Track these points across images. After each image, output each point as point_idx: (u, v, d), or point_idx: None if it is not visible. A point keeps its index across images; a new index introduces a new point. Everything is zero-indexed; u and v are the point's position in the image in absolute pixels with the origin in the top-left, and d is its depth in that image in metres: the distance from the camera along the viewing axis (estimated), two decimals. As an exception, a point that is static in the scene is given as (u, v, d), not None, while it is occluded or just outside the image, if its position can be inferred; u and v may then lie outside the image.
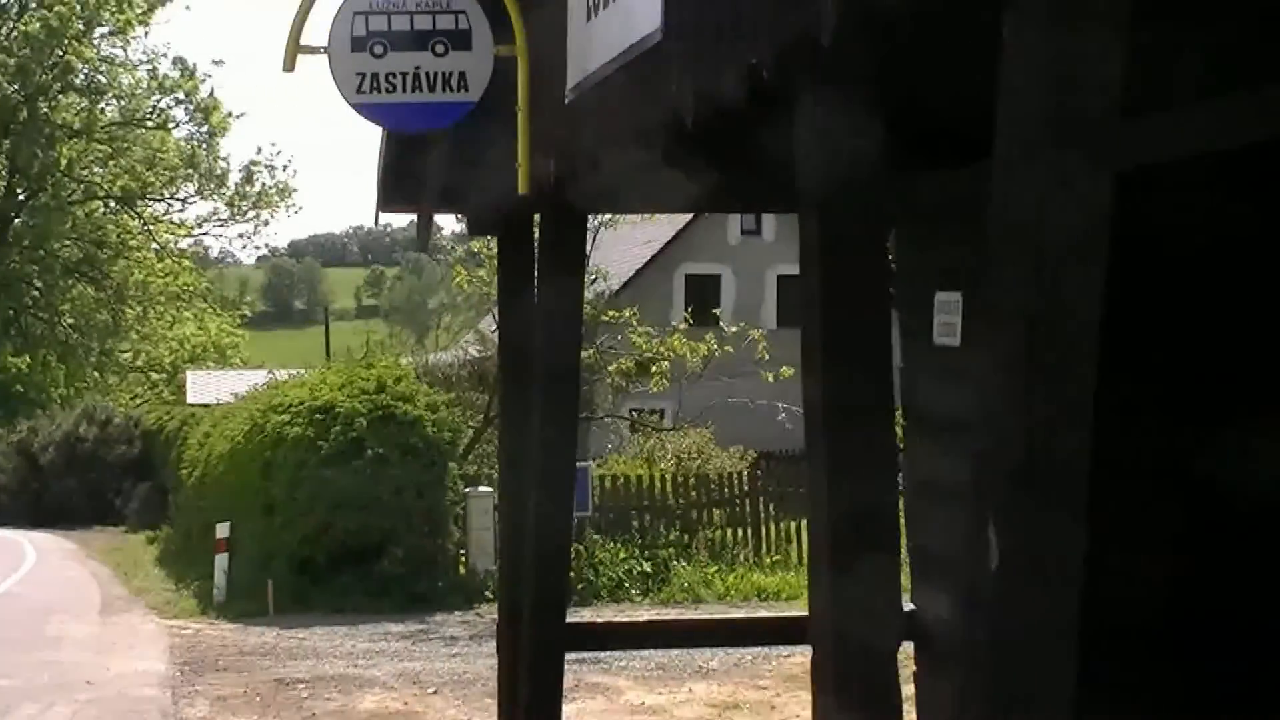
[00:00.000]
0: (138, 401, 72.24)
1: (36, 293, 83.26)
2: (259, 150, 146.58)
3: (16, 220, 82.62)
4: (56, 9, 78.33)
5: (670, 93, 6.05)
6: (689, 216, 49.50)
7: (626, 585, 27.94)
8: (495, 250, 30.95)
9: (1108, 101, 3.78)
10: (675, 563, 29.01)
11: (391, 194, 10.52)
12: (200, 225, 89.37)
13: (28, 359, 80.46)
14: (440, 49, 8.60)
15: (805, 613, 15.24)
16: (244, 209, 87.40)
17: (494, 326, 34.69)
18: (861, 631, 4.98)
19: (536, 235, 9.58)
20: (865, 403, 4.99)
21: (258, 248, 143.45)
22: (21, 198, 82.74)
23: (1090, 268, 3.79)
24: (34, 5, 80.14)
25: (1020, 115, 3.80)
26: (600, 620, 20.31)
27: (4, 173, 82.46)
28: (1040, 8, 3.75)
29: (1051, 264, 3.76)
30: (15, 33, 79.67)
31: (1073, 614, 3.83)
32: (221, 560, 28.72)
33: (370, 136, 10.07)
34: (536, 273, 9.45)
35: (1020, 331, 3.79)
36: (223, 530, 29.05)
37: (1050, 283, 3.75)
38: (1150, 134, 6.45)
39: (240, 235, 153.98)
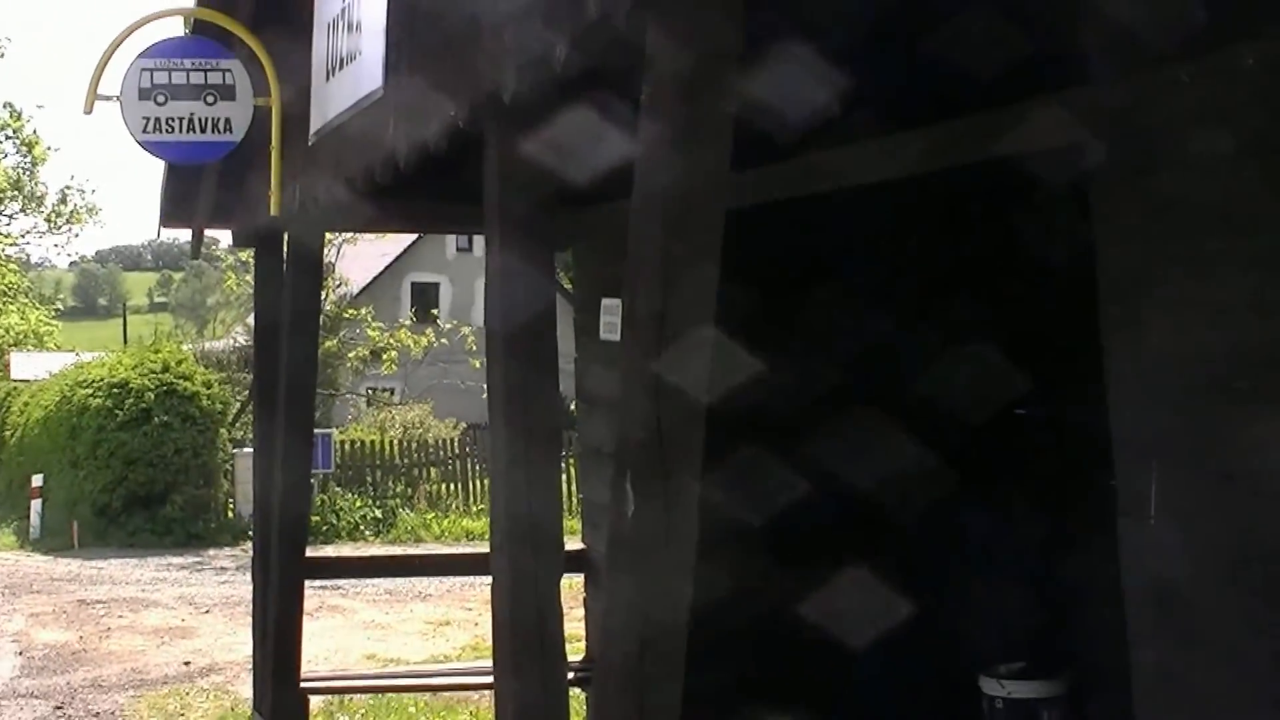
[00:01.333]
0: (-31, 377, 70.30)
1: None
2: (72, 177, 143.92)
3: None
4: (-95, 62, 76.62)
5: (389, 137, 6.02)
6: (415, 235, 49.32)
7: (361, 528, 27.98)
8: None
9: (720, 156, 3.81)
10: (401, 510, 29.08)
11: (170, 213, 10.37)
12: (23, 236, 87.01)
13: (-122, 346, 78.25)
14: (210, 99, 8.50)
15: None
16: (59, 224, 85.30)
17: (259, 320, 34.36)
18: (528, 565, 5.00)
19: (285, 248, 9.47)
20: (535, 386, 5.00)
21: (70, 255, 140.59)
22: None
23: (704, 283, 3.81)
24: (-114, 60, 78.25)
25: (652, 164, 3.82)
26: (336, 554, 20.24)
27: None
28: (667, 83, 3.76)
29: (674, 279, 3.78)
30: None
31: (690, 548, 3.87)
32: (36, 505, 28.33)
33: (159, 168, 9.92)
34: (285, 278, 9.35)
35: (651, 330, 3.80)
36: (37, 480, 28.69)
37: (673, 294, 3.77)
38: (753, 183, 6.57)
39: (55, 245, 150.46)
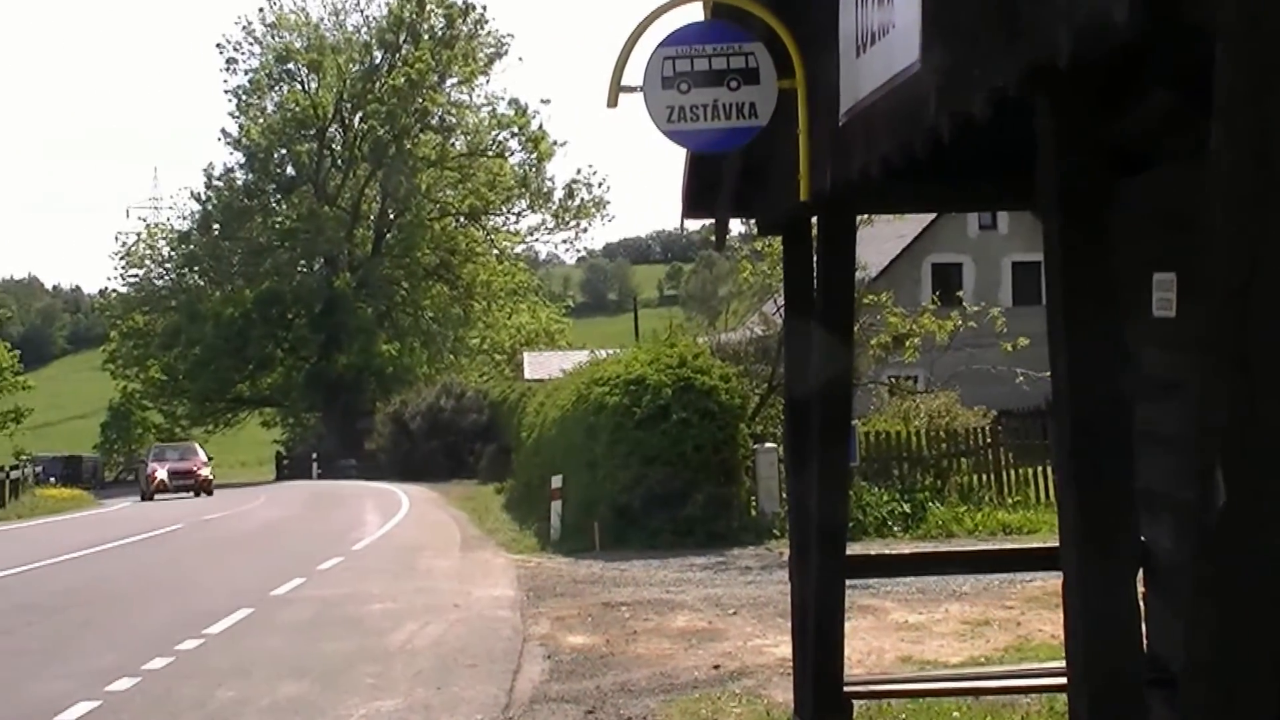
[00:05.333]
0: (485, 378, 73.70)
1: (404, 292, 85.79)
2: (578, 171, 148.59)
3: (388, 235, 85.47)
4: (416, 65, 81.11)
5: (928, 113, 6.01)
6: (934, 215, 49.33)
7: (889, 524, 27.86)
8: (772, 246, 31.11)
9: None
10: (930, 504, 28.89)
11: (694, 204, 10.56)
12: (531, 234, 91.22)
13: (398, 346, 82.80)
14: (734, 84, 8.64)
15: (1045, 544, 14.98)
16: (566, 219, 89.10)
17: (774, 310, 34.81)
18: (1101, 563, 4.92)
19: (815, 234, 9.56)
20: (1100, 367, 4.92)
21: (577, 250, 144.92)
22: (391, 216, 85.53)
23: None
24: (400, 64, 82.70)
25: (1232, 125, 3.72)
26: (865, 552, 20.22)
27: (378, 197, 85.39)
28: (1241, 28, 3.67)
29: (1259, 249, 3.69)
30: (386, 86, 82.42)
31: (1285, 541, 3.78)
32: (556, 506, 29.26)
33: (666, 159, 10.16)
34: (815, 264, 9.44)
35: (1235, 306, 3.72)
36: (556, 482, 29.61)
37: (1259, 265, 3.68)
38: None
39: (563, 241, 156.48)
